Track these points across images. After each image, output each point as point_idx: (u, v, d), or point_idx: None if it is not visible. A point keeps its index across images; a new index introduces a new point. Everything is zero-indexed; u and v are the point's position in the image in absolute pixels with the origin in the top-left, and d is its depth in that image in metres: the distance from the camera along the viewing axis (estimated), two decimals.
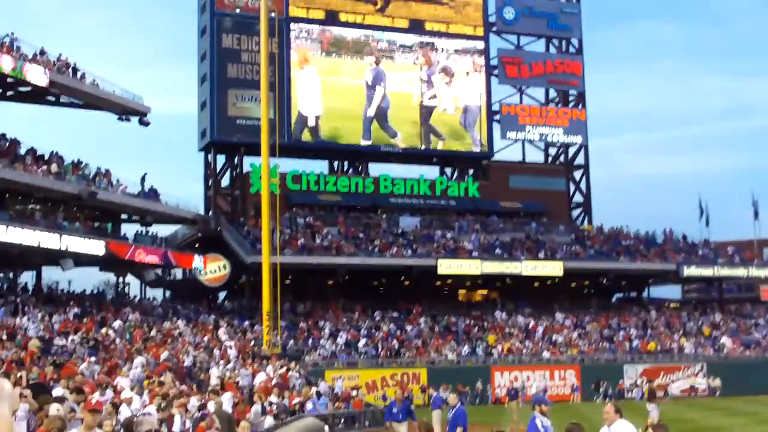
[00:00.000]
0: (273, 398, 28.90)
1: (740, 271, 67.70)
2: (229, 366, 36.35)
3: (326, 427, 30.35)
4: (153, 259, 49.25)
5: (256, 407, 25.31)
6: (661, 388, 52.02)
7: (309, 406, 34.06)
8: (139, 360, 31.72)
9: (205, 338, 43.62)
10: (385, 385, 48.96)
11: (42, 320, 37.38)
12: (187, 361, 36.61)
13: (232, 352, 39.55)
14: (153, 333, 41.39)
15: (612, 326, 62.61)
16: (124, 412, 18.14)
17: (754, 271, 68.02)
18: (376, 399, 44.82)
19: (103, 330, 38.79)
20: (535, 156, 76.45)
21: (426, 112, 69.71)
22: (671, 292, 79.48)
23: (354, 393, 37.74)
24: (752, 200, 76.81)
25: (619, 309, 68.41)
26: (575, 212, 76.07)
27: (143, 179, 52.13)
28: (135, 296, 57.44)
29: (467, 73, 71.16)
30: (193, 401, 22.86)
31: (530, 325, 60.72)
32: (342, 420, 35.87)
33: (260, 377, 34.42)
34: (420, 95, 69.82)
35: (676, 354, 59.33)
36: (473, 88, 71.42)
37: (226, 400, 24.14)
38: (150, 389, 24.10)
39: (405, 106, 69.08)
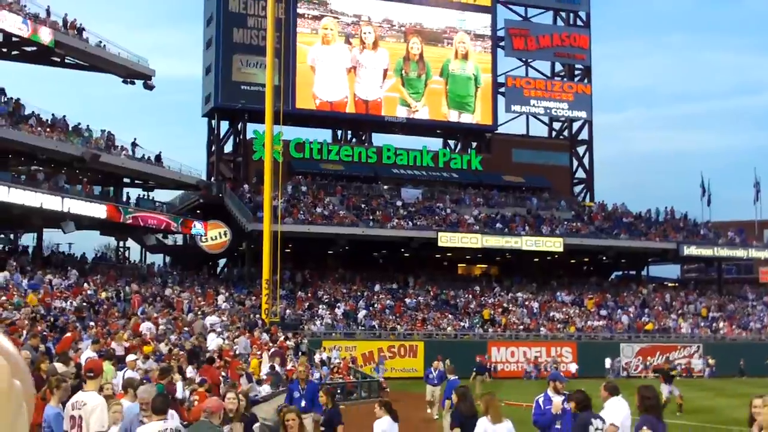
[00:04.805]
0: (270, 367, 28.89)
1: (740, 252, 67.67)
2: (226, 335, 36.30)
3: None
4: (153, 222, 49.06)
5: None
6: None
7: (317, 374, 34.23)
8: (143, 326, 31.69)
9: (204, 307, 43.54)
10: (382, 356, 49.09)
11: (41, 283, 37.36)
12: (185, 329, 36.56)
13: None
14: (152, 299, 41.39)
15: (610, 304, 62.69)
16: (129, 375, 18.17)
17: (754, 253, 67.95)
18: (372, 370, 45.06)
19: (103, 295, 38.80)
20: (538, 130, 76.32)
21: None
22: (670, 271, 79.67)
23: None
24: (754, 180, 76.63)
25: (618, 287, 68.48)
26: (577, 188, 75.93)
27: (134, 144, 51.78)
28: (135, 261, 57.48)
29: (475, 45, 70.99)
30: (191, 369, 22.90)
31: (528, 301, 60.81)
32: (339, 390, 36.09)
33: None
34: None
35: (673, 334, 59.47)
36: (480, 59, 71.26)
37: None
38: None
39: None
